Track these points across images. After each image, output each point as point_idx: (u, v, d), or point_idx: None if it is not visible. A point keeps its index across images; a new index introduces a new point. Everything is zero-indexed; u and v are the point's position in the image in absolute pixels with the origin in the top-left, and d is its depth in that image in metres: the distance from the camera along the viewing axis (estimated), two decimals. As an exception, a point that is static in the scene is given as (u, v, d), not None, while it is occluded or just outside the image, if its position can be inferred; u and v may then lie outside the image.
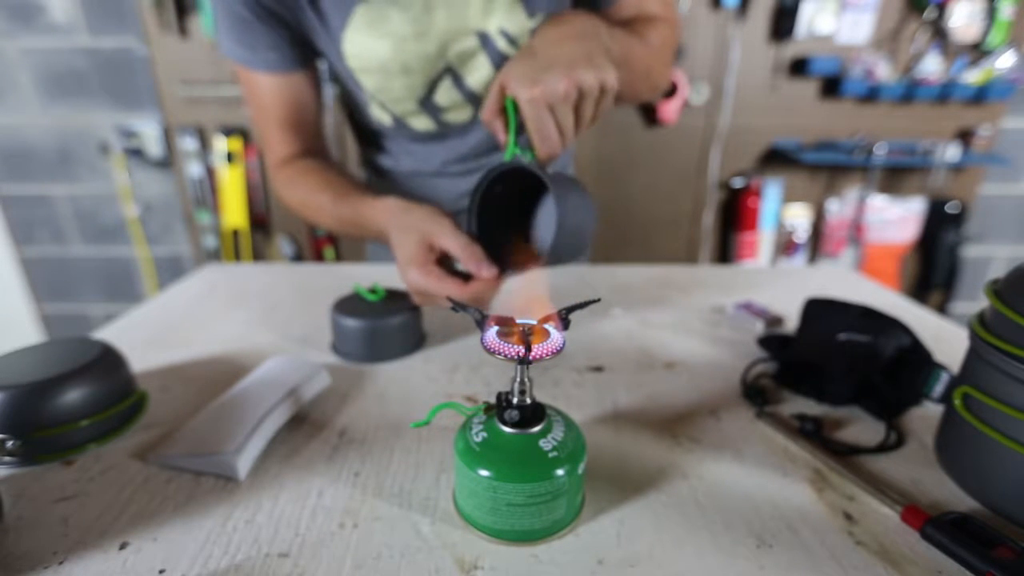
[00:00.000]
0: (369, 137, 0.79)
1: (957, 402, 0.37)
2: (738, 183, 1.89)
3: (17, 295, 2.08)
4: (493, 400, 0.35)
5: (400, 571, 0.32)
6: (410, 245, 0.51)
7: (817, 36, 1.71)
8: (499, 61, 0.65)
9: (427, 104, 0.68)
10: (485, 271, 0.49)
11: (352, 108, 0.76)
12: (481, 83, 0.67)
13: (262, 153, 0.72)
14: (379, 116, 0.71)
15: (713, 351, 0.59)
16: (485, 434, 0.34)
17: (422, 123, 0.70)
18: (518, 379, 0.33)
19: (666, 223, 1.97)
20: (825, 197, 1.93)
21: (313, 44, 0.66)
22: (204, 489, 0.38)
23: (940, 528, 0.33)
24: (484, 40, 0.64)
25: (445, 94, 0.67)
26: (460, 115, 0.70)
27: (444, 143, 0.74)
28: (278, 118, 0.69)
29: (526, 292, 0.47)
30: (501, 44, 0.64)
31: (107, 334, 0.61)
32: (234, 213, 1.84)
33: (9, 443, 0.39)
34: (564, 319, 0.34)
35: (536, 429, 0.33)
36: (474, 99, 0.69)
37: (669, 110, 1.78)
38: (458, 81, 0.66)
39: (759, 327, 0.64)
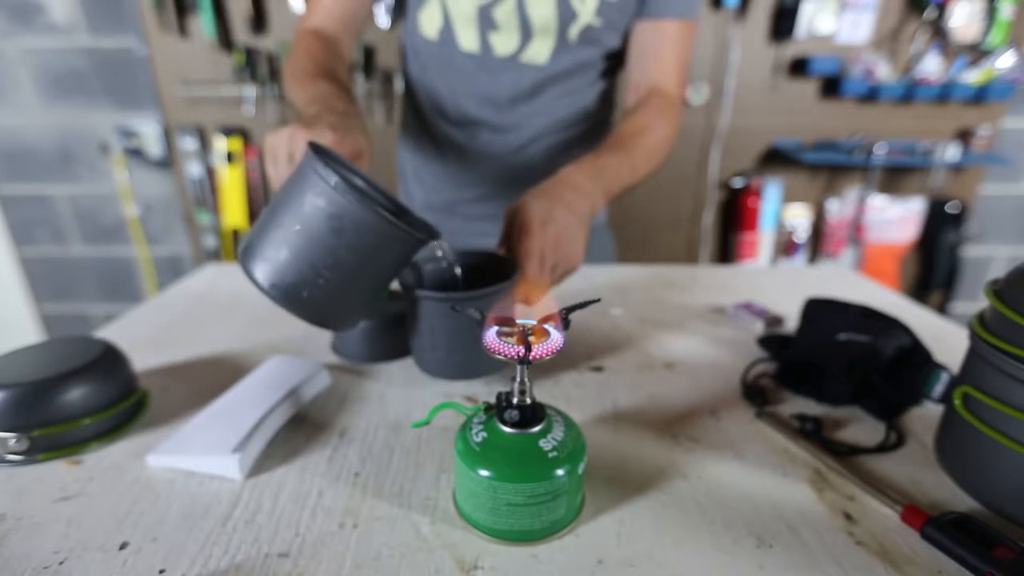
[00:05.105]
0: (412, 77, 0.83)
1: (957, 402, 0.37)
2: (738, 183, 1.89)
3: (17, 295, 2.08)
4: (493, 400, 0.35)
5: (400, 571, 0.32)
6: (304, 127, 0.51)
7: (817, 36, 1.70)
8: (563, 5, 0.70)
9: (484, 13, 0.71)
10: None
11: (405, 27, 0.80)
12: (541, 18, 0.71)
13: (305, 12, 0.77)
14: (429, 23, 0.75)
15: (713, 351, 0.59)
16: (485, 434, 0.34)
17: (468, 38, 0.74)
18: (518, 379, 0.33)
19: (666, 223, 1.97)
20: (825, 197, 1.93)
21: None
22: (204, 489, 0.38)
23: (940, 528, 0.33)
24: None
25: (505, 11, 0.71)
26: (505, 44, 0.74)
27: (482, 74, 0.76)
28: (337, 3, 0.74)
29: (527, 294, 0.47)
30: None
31: (107, 334, 0.61)
32: (234, 213, 1.84)
33: (12, 441, 0.40)
34: (564, 319, 0.34)
35: (536, 429, 0.33)
36: (526, 31, 0.72)
37: (669, 110, 1.77)
38: (521, 5, 0.70)
39: (759, 327, 0.64)
